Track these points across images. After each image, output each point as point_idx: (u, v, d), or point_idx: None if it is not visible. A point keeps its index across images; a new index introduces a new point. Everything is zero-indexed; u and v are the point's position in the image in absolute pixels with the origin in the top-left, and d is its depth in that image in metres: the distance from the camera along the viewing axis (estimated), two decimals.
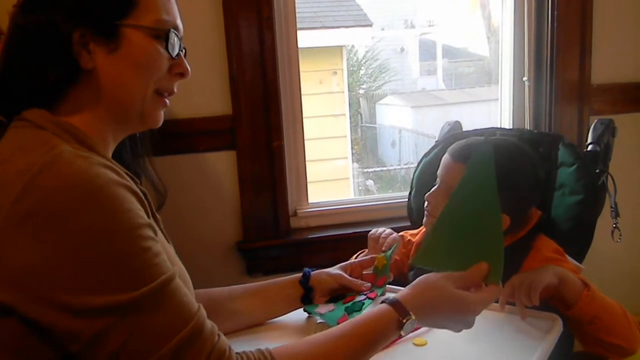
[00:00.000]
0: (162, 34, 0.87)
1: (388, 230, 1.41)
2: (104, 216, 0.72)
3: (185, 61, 0.93)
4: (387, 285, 1.24)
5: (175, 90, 0.94)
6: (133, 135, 0.99)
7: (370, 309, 1.01)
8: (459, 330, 0.94)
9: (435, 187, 1.30)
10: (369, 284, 1.20)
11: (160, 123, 0.94)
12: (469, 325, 0.92)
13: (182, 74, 0.93)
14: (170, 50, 0.88)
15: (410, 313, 0.88)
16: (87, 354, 0.72)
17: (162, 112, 0.94)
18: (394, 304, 0.89)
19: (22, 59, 0.84)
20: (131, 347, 0.71)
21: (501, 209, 1.10)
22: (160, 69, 0.89)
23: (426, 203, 1.33)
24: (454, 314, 0.91)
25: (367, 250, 1.43)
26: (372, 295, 1.18)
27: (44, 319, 0.72)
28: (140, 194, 0.80)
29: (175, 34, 0.89)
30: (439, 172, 1.32)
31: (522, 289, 1.08)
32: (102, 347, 0.71)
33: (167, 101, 0.94)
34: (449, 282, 0.92)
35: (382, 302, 0.91)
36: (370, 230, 1.43)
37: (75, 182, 0.72)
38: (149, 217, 0.80)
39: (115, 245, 0.72)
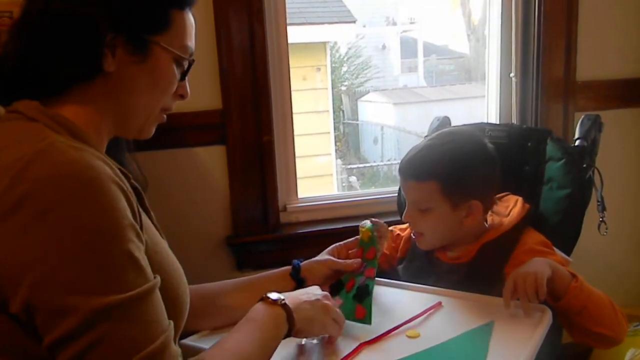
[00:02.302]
0: (183, 61, 0.91)
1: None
2: (91, 210, 0.71)
3: (187, 84, 0.96)
4: (378, 279, 1.24)
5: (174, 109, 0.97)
6: None
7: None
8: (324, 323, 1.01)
9: (406, 208, 1.32)
10: (359, 259, 1.21)
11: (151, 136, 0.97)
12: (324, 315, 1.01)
13: (183, 96, 0.96)
14: (183, 76, 0.93)
15: (282, 297, 0.97)
16: (50, 354, 0.71)
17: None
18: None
19: (46, 46, 0.82)
20: (93, 354, 0.69)
21: (471, 198, 1.23)
22: (172, 92, 0.92)
23: (407, 224, 1.36)
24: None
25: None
26: (369, 273, 1.17)
27: (20, 314, 0.71)
28: (129, 192, 0.79)
29: (192, 62, 0.93)
30: (403, 193, 1.34)
31: (529, 287, 1.07)
32: (64, 350, 0.69)
33: (164, 117, 0.96)
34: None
35: None
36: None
37: (66, 172, 0.71)
38: (135, 215, 0.78)
39: (97, 242, 0.70)
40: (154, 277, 0.77)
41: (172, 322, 0.78)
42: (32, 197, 0.69)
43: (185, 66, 0.92)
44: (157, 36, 0.87)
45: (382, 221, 1.27)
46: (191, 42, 0.93)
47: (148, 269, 0.76)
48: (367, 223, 1.25)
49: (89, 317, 0.68)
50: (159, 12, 0.87)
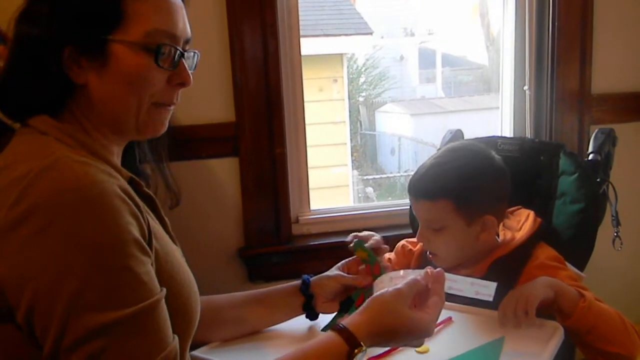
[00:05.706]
0: (152, 47, 0.84)
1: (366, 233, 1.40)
2: (91, 226, 0.71)
3: (188, 69, 0.90)
4: None
5: (177, 99, 0.91)
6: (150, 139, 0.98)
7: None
8: (413, 346, 0.95)
9: (419, 229, 1.32)
10: (368, 277, 1.18)
11: (161, 132, 0.92)
12: (421, 342, 0.93)
13: (183, 84, 0.89)
14: (161, 64, 0.84)
15: (362, 343, 0.84)
16: None
17: (163, 121, 0.91)
18: (344, 332, 0.85)
19: (19, 70, 0.84)
20: None
21: (484, 213, 1.23)
22: (154, 83, 0.86)
23: (421, 244, 1.36)
24: (409, 335, 0.90)
25: None
26: None
27: (23, 324, 0.72)
28: (137, 203, 0.78)
29: (171, 45, 0.85)
30: (415, 213, 1.34)
31: (519, 306, 1.08)
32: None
33: (170, 109, 0.91)
34: (402, 302, 0.89)
35: (335, 327, 0.86)
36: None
37: (69, 188, 0.72)
38: (142, 228, 0.78)
39: (95, 258, 0.71)
40: (160, 290, 0.77)
41: (176, 337, 0.78)
42: (35, 212, 0.70)
43: (166, 52, 0.85)
44: (112, 34, 0.82)
45: (365, 233, 1.25)
46: (163, 26, 0.84)
47: (152, 283, 0.76)
48: (357, 243, 1.23)
49: (85, 333, 0.69)
50: (105, 9, 0.82)
